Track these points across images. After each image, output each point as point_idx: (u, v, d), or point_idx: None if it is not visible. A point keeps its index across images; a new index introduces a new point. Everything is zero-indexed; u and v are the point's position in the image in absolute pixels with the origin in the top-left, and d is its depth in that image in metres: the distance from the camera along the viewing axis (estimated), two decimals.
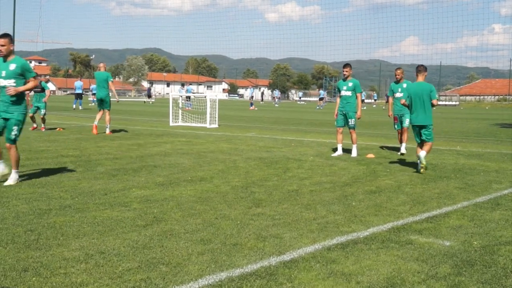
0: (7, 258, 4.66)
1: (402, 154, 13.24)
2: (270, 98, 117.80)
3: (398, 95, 13.60)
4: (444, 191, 8.57)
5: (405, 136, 13.56)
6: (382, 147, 15.13)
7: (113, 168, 9.95)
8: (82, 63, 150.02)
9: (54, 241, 5.22)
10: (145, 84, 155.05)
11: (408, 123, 13.28)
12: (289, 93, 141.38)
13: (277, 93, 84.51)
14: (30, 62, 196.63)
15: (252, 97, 62.47)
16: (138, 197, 7.43)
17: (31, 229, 5.62)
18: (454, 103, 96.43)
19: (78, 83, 40.12)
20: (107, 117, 17.84)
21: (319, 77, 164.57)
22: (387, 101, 15.01)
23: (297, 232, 5.85)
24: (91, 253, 4.86)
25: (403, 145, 13.48)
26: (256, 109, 50.46)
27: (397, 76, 13.84)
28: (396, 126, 13.91)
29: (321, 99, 68.46)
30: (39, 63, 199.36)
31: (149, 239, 5.38)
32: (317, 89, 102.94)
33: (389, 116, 14.32)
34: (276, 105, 71.72)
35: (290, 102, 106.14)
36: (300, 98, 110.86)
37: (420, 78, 10.88)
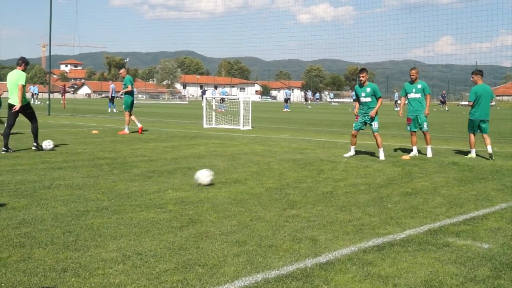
0: (46, 258, 4.74)
1: (412, 156, 13.00)
2: (303, 99, 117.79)
3: (412, 95, 13.36)
4: (481, 193, 8.43)
5: (427, 138, 13.38)
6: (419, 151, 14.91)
7: (148, 170, 10.04)
8: (116, 66, 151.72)
9: (92, 242, 5.29)
10: (178, 87, 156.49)
11: (427, 126, 13.29)
12: (322, 94, 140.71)
13: (310, 94, 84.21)
14: (66, 66, 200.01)
15: (288, 99, 60.18)
16: (173, 199, 7.49)
17: (69, 230, 5.71)
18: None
19: (112, 86, 40.37)
20: (126, 118, 18.95)
21: (352, 78, 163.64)
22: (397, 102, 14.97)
23: (332, 234, 5.82)
24: (129, 254, 4.92)
25: (428, 147, 13.27)
26: (289, 111, 50.36)
27: (412, 76, 13.46)
28: (408, 128, 13.61)
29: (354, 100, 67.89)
30: (75, 66, 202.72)
31: (185, 241, 5.41)
32: (350, 90, 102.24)
33: (399, 115, 14.20)
34: (308, 106, 71.55)
35: (322, 103, 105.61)
36: (331, 99, 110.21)
37: (481, 81, 13.17)
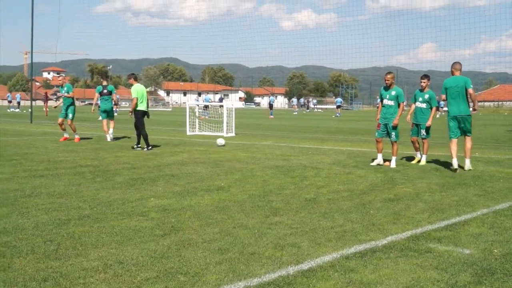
0: (27, 268, 4.70)
1: (376, 165, 12.70)
2: (287, 106, 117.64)
3: (385, 102, 12.73)
4: (463, 199, 8.50)
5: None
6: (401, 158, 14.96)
7: (131, 178, 10.00)
8: (99, 74, 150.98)
9: (73, 251, 5.25)
10: (162, 94, 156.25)
11: (395, 136, 12.55)
12: (301, 100, 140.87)
13: (295, 101, 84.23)
14: (48, 73, 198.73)
15: (271, 105, 60.09)
16: (156, 207, 7.46)
17: (51, 239, 5.66)
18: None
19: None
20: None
21: (336, 85, 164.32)
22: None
23: (314, 241, 5.83)
24: (110, 263, 4.89)
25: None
26: (272, 117, 50.45)
27: (386, 82, 12.80)
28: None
29: (338, 106, 68.33)
30: (57, 74, 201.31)
31: (167, 249, 5.39)
32: (334, 97, 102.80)
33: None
34: (294, 113, 71.78)
35: (306, 112, 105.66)
36: (314, 105, 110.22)
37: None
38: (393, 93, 12.57)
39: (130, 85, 16.88)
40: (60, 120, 18.78)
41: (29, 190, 8.52)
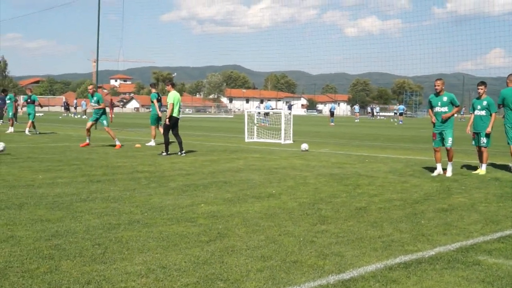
0: (72, 271, 4.84)
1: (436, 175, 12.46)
2: (349, 113, 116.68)
3: (437, 109, 12.38)
4: None
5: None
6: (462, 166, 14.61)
7: (184, 184, 10.15)
8: (164, 81, 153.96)
9: (119, 255, 5.37)
10: (225, 101, 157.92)
11: (451, 142, 12.29)
12: (367, 108, 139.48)
13: (357, 108, 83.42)
14: (115, 80, 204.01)
15: (332, 112, 59.50)
16: (205, 213, 7.54)
17: (99, 243, 5.82)
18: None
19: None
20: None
21: (400, 92, 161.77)
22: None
23: (359, 250, 5.76)
24: (153, 268, 4.98)
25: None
26: (333, 125, 50.16)
27: (436, 88, 12.40)
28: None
29: (400, 114, 67.32)
30: (124, 81, 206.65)
31: (210, 255, 5.44)
32: (397, 104, 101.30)
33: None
34: (356, 120, 71.20)
35: (368, 117, 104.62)
36: (378, 113, 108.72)
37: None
38: (445, 99, 12.27)
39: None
40: (89, 124, 18.95)
41: (85, 194, 8.78)
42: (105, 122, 18.91)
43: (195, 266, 5.06)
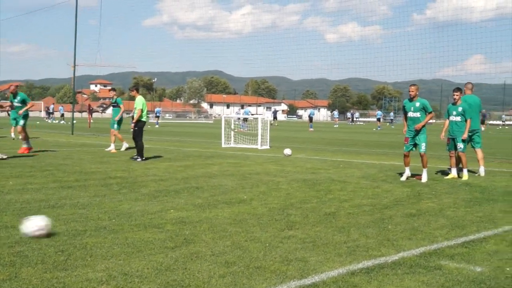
0: (32, 278, 4.80)
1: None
2: (329, 119, 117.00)
3: (410, 114, 12.45)
4: (487, 215, 8.30)
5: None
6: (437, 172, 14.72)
7: (156, 190, 10.11)
8: (144, 86, 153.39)
9: (81, 262, 5.34)
10: (205, 106, 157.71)
11: (424, 147, 12.37)
12: (347, 113, 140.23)
13: (336, 114, 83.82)
14: (96, 86, 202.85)
15: (311, 118, 59.69)
16: (173, 219, 7.52)
17: (62, 249, 5.77)
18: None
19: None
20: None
21: (380, 98, 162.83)
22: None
23: (324, 255, 5.79)
24: (115, 275, 4.95)
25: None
26: (312, 130, 50.33)
27: (410, 93, 12.53)
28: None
29: (378, 119, 67.83)
30: (104, 86, 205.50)
31: (174, 261, 5.43)
32: (376, 110, 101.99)
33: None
34: (335, 125, 71.55)
35: (348, 122, 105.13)
36: (357, 118, 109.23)
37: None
38: (418, 104, 12.37)
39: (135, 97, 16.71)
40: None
41: (54, 201, 8.70)
42: (21, 122, 17.31)
43: (157, 273, 5.05)
